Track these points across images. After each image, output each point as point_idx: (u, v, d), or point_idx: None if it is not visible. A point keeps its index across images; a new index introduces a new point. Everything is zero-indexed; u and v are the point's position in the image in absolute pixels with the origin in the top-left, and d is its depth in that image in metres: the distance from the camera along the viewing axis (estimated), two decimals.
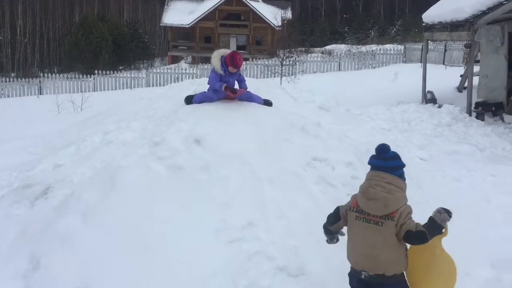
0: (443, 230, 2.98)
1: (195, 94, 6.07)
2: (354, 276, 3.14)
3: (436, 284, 3.09)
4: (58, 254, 3.73)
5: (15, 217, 4.40)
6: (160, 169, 4.51)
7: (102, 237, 3.77)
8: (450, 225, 2.96)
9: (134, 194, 4.16)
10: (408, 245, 3.07)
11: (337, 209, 3.29)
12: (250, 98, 5.87)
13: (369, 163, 3.17)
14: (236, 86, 5.88)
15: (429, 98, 11.49)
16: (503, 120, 9.99)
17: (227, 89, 5.59)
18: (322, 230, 3.39)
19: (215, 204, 4.26)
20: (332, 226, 3.31)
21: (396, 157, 3.13)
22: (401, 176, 3.09)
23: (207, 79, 5.99)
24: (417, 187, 5.28)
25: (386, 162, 3.08)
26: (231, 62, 5.53)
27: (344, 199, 4.67)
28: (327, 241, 3.42)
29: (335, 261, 3.82)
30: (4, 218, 4.37)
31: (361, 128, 7.31)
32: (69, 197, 4.32)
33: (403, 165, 3.13)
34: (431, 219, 2.95)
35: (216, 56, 5.67)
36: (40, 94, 21.19)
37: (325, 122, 6.35)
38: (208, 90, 5.86)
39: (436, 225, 2.92)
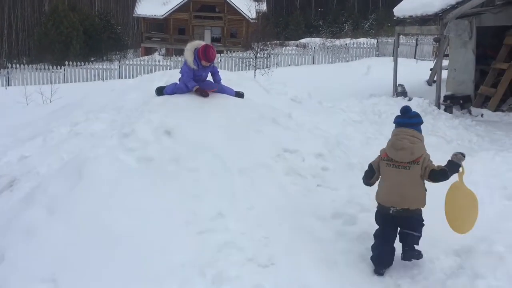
0: (460, 169, 3.84)
1: (166, 86, 6.00)
2: (381, 213, 3.88)
3: (461, 212, 3.95)
4: (23, 246, 3.65)
5: None
6: (129, 161, 4.46)
7: (69, 229, 3.71)
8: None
9: (102, 185, 4.10)
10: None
11: (370, 165, 4.02)
12: (222, 90, 5.83)
13: (395, 122, 3.93)
14: (210, 78, 5.83)
15: (400, 91, 11.69)
16: (470, 113, 10.24)
17: (198, 91, 5.52)
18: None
19: (185, 195, 4.24)
20: (371, 180, 4.02)
21: (418, 115, 3.93)
22: (420, 131, 3.87)
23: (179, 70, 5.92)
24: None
25: (410, 119, 3.85)
26: (204, 56, 5.41)
27: (314, 190, 4.74)
28: None
29: (304, 251, 3.88)
30: None
31: (333, 120, 7.37)
32: (35, 189, 4.23)
33: (422, 122, 3.94)
34: (449, 160, 3.83)
35: (190, 49, 5.53)
36: (8, 85, 20.66)
37: (297, 114, 6.37)
38: (179, 81, 5.79)
39: (454, 163, 3.81)
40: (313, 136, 5.72)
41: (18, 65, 22.86)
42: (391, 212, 3.76)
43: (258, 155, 4.85)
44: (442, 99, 10.54)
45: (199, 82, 5.60)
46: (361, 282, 3.67)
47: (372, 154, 5.97)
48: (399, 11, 11.49)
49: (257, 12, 36.55)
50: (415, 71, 14.92)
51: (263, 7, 40.73)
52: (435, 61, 14.15)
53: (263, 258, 3.76)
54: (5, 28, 46.07)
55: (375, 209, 3.95)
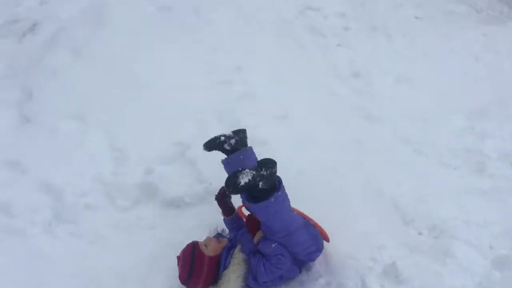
0: None
1: None
2: None
3: None
4: (50, 86, 3.80)
5: (4, 51, 4.38)
6: (150, 9, 4.41)
7: (94, 71, 3.83)
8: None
9: (124, 31, 4.13)
10: None
11: None
12: None
13: None
14: None
15: None
16: None
17: None
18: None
19: (206, 47, 4.27)
20: None
21: None
22: None
23: None
24: (408, 43, 5.27)
25: None
26: None
27: (334, 49, 4.71)
28: None
29: (320, 106, 3.98)
30: None
31: None
32: (58, 33, 4.27)
33: None
34: None
35: None
36: None
37: None
38: None
39: None
40: None
41: None
42: None
43: (280, 11, 4.74)
44: None
45: None
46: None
47: (396, 18, 5.82)
48: None
49: None
50: None
51: None
52: None
53: (279, 110, 3.87)
54: None
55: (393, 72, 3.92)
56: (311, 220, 2.68)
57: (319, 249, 2.58)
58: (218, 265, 2.57)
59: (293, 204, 2.52)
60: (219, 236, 2.82)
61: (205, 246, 2.58)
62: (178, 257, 2.57)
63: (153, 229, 3.01)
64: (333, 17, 4.97)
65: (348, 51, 4.64)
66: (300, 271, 2.64)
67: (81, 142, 3.38)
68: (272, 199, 2.35)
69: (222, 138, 2.61)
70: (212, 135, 2.65)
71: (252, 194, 2.39)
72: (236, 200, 2.76)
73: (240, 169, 2.33)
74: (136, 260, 2.78)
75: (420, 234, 2.85)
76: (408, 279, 2.52)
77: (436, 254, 2.67)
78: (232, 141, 2.61)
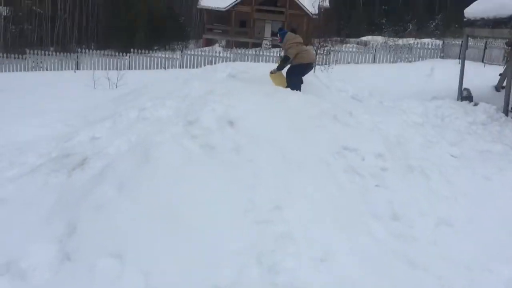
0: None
1: None
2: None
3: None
4: (93, 221, 3.88)
5: (54, 185, 4.59)
6: (193, 147, 4.63)
7: (136, 207, 3.91)
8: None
9: (167, 168, 4.29)
10: None
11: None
12: None
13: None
14: None
15: (465, 96, 11.26)
16: None
17: None
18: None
19: (245, 185, 4.35)
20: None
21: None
22: None
23: (241, 63, 6.10)
24: (446, 183, 5.26)
25: None
26: None
27: (372, 190, 4.73)
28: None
29: (359, 250, 3.89)
30: (43, 186, 4.57)
31: (393, 120, 7.25)
32: (106, 168, 4.48)
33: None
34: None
35: None
36: (77, 69, 21.68)
37: (357, 112, 6.34)
38: None
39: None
40: (373, 135, 5.68)
41: (87, 50, 23.94)
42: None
43: (318, 151, 4.89)
44: (510, 105, 10.07)
45: None
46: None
47: (432, 157, 5.88)
48: (470, 12, 11.06)
49: (320, 8, 36.18)
50: (482, 75, 14.29)
51: (326, 2, 40.28)
52: (505, 66, 13.51)
53: (318, 252, 3.80)
54: (77, 13, 48.24)
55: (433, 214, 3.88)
56: None
57: None
58: None
59: None
60: None
61: None
62: None
63: None
64: (370, 157, 5.07)
65: (386, 192, 4.65)
66: None
67: (116, 283, 3.34)
68: None
69: None
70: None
71: None
72: None
73: None
74: None
75: None
76: None
77: None
78: None
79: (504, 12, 9.50)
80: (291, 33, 7.42)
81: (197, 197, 4.08)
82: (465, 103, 10.50)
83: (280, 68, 7.23)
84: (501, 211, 4.62)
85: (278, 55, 21.34)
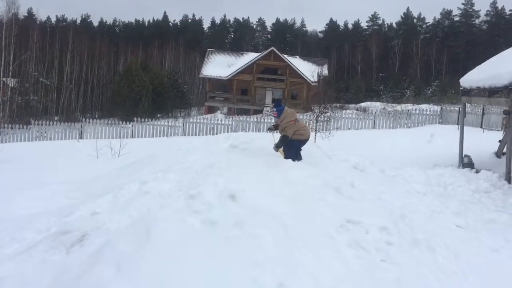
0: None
1: None
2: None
3: None
4: None
5: (51, 263, 4.49)
6: (194, 223, 4.57)
7: None
8: None
9: (168, 246, 4.21)
10: None
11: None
12: None
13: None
14: None
15: (466, 163, 11.29)
16: None
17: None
18: None
19: (247, 261, 4.25)
20: None
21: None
22: None
23: (242, 133, 6.17)
24: (453, 257, 5.13)
25: None
26: None
27: (378, 265, 4.60)
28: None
29: None
30: (40, 264, 4.47)
31: (396, 190, 7.22)
32: (105, 246, 4.40)
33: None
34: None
35: None
36: (81, 138, 21.96)
37: (359, 182, 6.33)
38: None
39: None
40: (377, 207, 5.63)
41: (90, 120, 24.37)
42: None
43: (321, 224, 4.82)
44: None
45: None
46: None
47: (437, 229, 5.78)
48: (465, 82, 11.34)
49: (319, 76, 37.23)
50: (482, 141, 14.41)
51: (325, 71, 41.48)
52: (504, 132, 13.65)
53: None
54: (82, 84, 49.66)
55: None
56: None
57: None
58: None
59: None
60: None
61: None
62: None
63: None
64: (374, 230, 4.99)
65: (393, 268, 4.52)
66: None
67: None
68: None
69: None
70: None
71: None
72: None
73: None
74: None
75: None
76: None
77: None
78: None
79: (499, 82, 9.73)
80: (288, 108, 7.58)
81: (198, 276, 3.96)
82: (466, 170, 10.51)
83: (279, 146, 7.35)
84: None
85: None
